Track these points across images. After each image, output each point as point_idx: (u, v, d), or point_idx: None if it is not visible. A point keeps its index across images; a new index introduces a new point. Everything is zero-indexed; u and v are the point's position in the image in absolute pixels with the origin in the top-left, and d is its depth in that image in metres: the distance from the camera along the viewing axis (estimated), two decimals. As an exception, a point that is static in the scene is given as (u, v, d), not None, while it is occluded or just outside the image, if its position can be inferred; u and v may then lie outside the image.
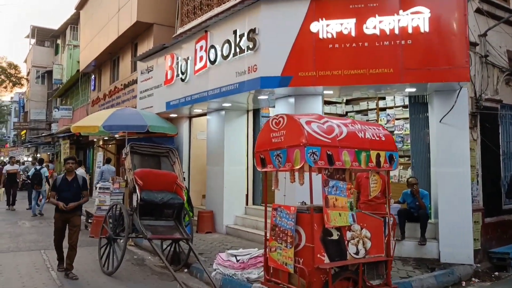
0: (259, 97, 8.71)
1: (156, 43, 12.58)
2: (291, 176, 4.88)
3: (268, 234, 5.18)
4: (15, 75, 40.18)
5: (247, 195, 10.34)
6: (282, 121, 4.90)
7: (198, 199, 11.84)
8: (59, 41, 37.65)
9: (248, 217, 9.90)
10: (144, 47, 13.53)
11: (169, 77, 10.80)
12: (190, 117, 12.06)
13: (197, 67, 9.53)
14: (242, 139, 10.38)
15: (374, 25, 7.01)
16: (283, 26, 7.51)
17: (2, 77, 39.29)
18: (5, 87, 40.00)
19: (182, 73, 10.18)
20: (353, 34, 7.11)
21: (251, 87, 7.85)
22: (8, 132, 68.33)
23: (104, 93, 17.79)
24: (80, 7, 20.94)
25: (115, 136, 14.43)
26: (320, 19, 7.25)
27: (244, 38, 8.00)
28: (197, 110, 10.92)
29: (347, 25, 7.13)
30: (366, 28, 7.05)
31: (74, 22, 32.12)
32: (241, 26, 8.14)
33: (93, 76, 19.79)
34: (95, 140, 19.62)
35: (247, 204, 10.31)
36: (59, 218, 6.75)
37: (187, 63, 10.03)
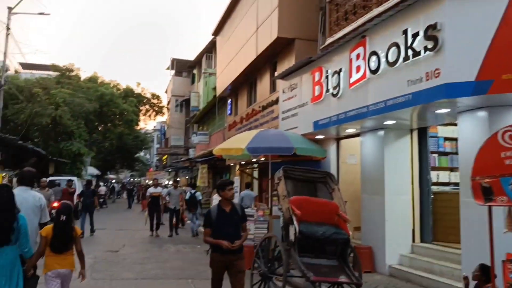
0: (436, 111, 7.08)
1: (298, 59, 11.69)
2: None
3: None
4: (157, 104, 43.38)
5: (413, 230, 8.60)
6: (525, 134, 3.34)
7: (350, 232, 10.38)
8: (195, 71, 39.76)
9: (417, 257, 8.16)
10: (284, 65, 12.75)
11: (316, 93, 9.71)
12: (338, 139, 10.79)
13: (353, 79, 8.26)
14: (405, 163, 8.72)
15: None
16: (476, 17, 5.88)
17: (147, 106, 42.68)
18: (149, 116, 43.38)
19: (334, 88, 8.99)
20: None
21: (431, 97, 6.28)
22: (151, 157, 74.71)
23: (240, 116, 17.49)
24: (216, 32, 21.32)
25: (253, 160, 13.80)
26: (531, 3, 5.50)
27: (420, 37, 6.51)
28: (351, 130, 9.57)
29: None
30: None
31: (208, 50, 33.51)
32: (414, 24, 6.67)
33: (229, 100, 19.77)
34: (231, 164, 19.42)
35: (413, 241, 8.56)
36: (219, 260, 5.14)
37: (339, 75, 8.83)
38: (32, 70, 36.02)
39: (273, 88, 14.17)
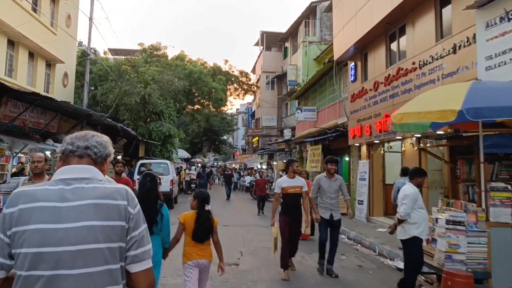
0: None
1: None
2: None
3: None
4: (246, 82, 40.35)
5: None
6: None
7: None
8: (287, 44, 36.14)
9: None
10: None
11: None
12: None
13: None
14: None
15: None
16: None
17: (235, 85, 39.81)
18: (238, 95, 40.49)
19: None
20: None
21: None
22: (234, 141, 72.59)
23: (375, 81, 13.45)
24: (332, -17, 17.29)
25: (409, 133, 9.79)
26: None
27: None
28: None
29: None
30: None
31: (306, 17, 29.63)
32: None
33: (352, 65, 15.77)
34: (356, 144, 15.53)
35: None
36: None
37: None
38: (120, 55, 34.58)
39: (441, 33, 9.99)
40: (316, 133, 20.59)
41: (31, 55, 18.35)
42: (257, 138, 39.48)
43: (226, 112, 46.49)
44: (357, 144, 15.50)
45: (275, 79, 37.69)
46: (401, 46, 12.08)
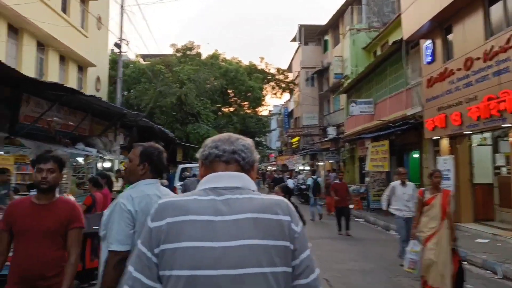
0: None
1: None
2: None
3: None
4: (284, 80, 38.14)
5: None
6: None
7: None
8: (326, 37, 33.74)
9: None
10: None
11: None
12: None
13: None
14: None
15: None
16: None
17: (272, 83, 37.69)
18: (275, 93, 38.33)
19: None
20: None
21: None
22: (268, 143, 70.30)
23: (466, 58, 10.95)
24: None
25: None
26: None
27: None
28: None
29: None
30: None
31: (350, 3, 27.13)
32: None
33: (427, 43, 13.28)
34: (435, 138, 13.01)
35: None
36: None
37: None
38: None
39: None
40: (374, 128, 18.15)
41: (62, 58, 17.42)
42: (297, 138, 37.15)
43: (261, 113, 44.54)
44: (436, 137, 12.99)
45: (315, 75, 35.33)
46: (511, 8, 9.56)
